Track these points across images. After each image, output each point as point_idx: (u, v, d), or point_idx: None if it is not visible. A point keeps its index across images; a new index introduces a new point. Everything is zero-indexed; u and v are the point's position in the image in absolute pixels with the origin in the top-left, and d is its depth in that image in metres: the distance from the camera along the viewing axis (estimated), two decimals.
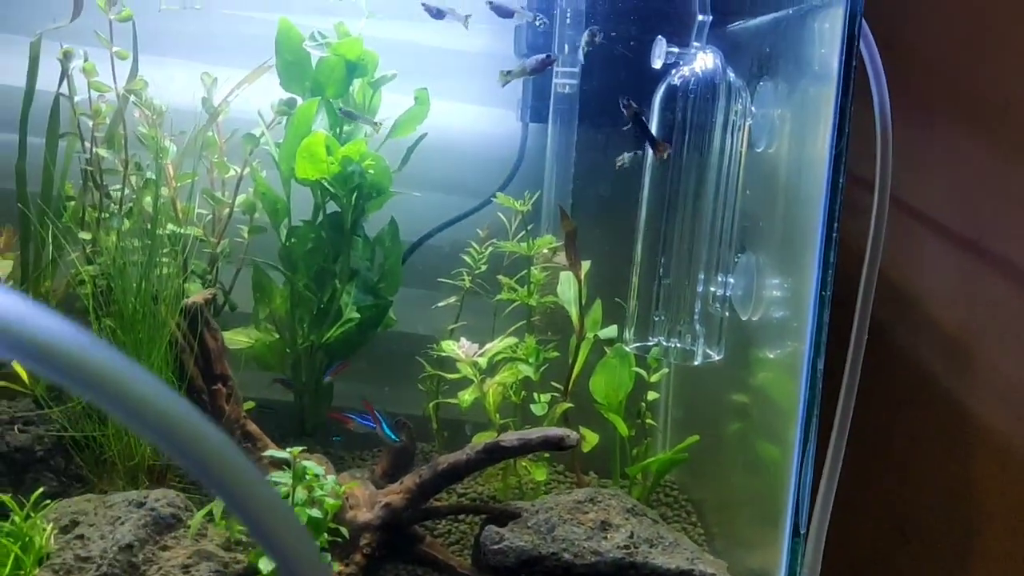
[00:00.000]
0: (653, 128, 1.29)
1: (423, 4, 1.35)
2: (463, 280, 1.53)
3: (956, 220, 1.54)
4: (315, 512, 1.18)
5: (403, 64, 1.57)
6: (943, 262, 1.53)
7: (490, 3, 1.33)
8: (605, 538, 1.22)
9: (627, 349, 1.40)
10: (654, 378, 1.51)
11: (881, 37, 1.23)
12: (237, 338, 1.53)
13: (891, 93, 1.30)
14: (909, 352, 1.56)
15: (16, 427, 1.32)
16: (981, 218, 1.49)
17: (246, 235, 1.53)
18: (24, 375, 1.46)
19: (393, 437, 1.31)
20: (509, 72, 1.37)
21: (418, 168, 1.57)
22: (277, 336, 1.55)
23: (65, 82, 1.34)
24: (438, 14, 1.35)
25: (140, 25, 1.41)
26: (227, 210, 1.50)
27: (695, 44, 1.30)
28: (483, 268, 1.53)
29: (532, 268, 1.52)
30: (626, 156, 1.39)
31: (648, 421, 1.55)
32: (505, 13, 1.36)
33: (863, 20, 1.15)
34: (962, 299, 1.50)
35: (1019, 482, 1.34)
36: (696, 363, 1.35)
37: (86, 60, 1.33)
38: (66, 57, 1.32)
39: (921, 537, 1.53)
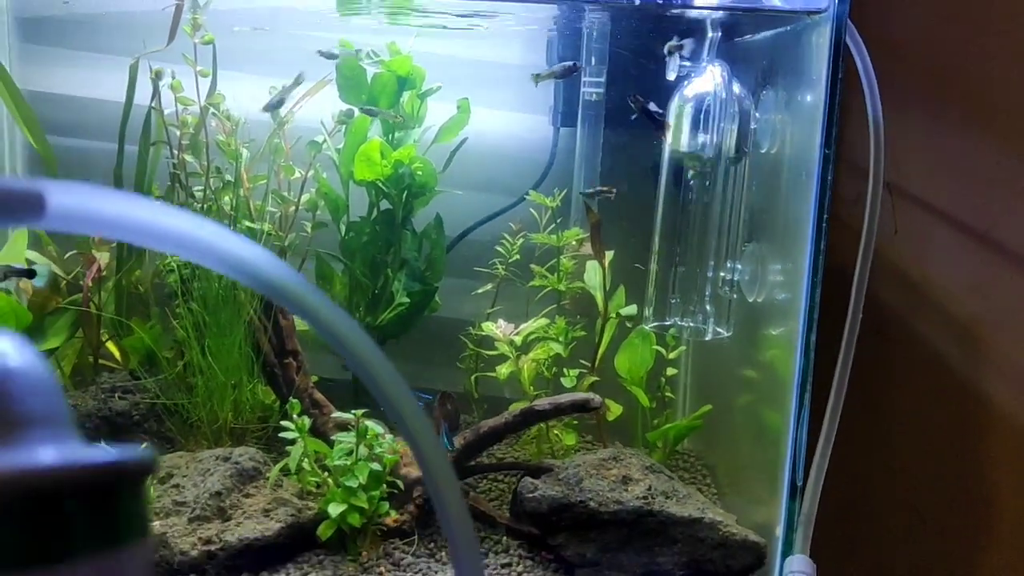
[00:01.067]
0: (668, 136, 1.47)
1: (318, 51, 1.58)
2: (498, 269, 1.72)
3: (966, 213, 1.68)
4: (376, 466, 1.37)
5: (447, 75, 1.76)
6: (955, 254, 1.67)
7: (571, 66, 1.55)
8: (626, 490, 1.40)
9: (647, 329, 1.58)
10: (672, 355, 1.69)
11: (890, 37, 1.37)
12: (303, 321, 1.72)
13: (900, 91, 1.45)
14: (922, 342, 1.71)
15: (116, 395, 1.53)
16: (991, 210, 1.63)
17: (310, 230, 1.72)
18: (117, 353, 1.67)
19: (448, 446, 1.48)
20: (539, 75, 1.57)
21: (461, 169, 1.76)
22: None
23: (156, 98, 1.55)
24: (332, 56, 1.59)
25: (218, 44, 1.61)
26: (293, 208, 1.69)
27: (705, 58, 1.47)
28: (516, 258, 1.72)
29: (561, 257, 1.71)
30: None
31: (668, 394, 1.73)
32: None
33: (856, 30, 1.32)
34: (974, 290, 1.65)
35: None
36: (707, 339, 1.52)
37: (174, 78, 1.53)
38: (157, 76, 1.52)
39: (935, 518, 1.68)
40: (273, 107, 1.55)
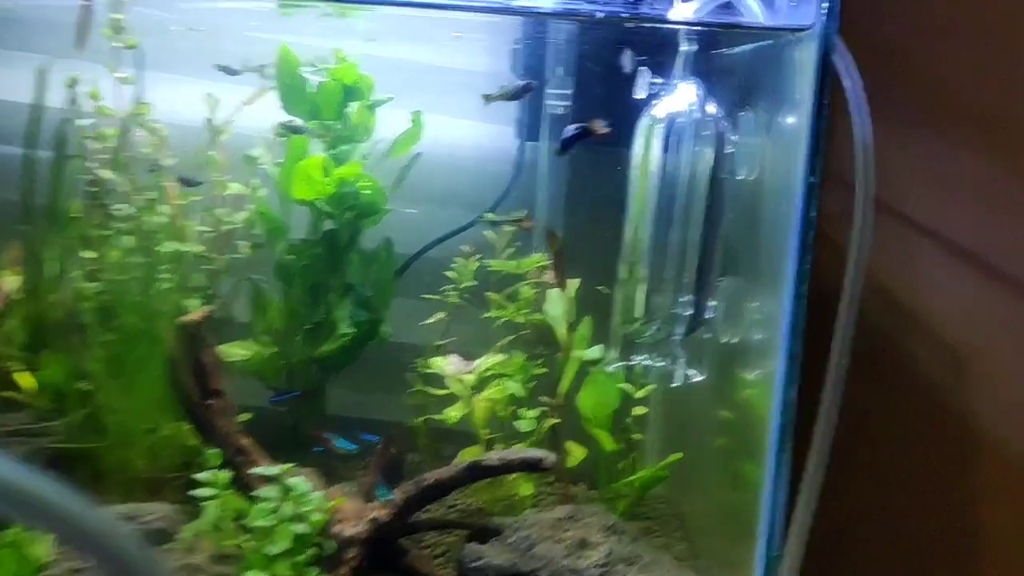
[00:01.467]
0: (634, 160, 1.32)
1: (217, 66, 1.45)
2: (450, 296, 1.57)
3: (961, 235, 1.56)
4: (301, 528, 1.22)
5: (406, 82, 1.61)
6: (948, 277, 1.55)
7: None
8: (583, 556, 1.25)
9: (608, 369, 1.43)
10: (640, 394, 1.55)
11: (881, 50, 1.24)
12: (235, 351, 1.57)
13: (891, 106, 1.32)
14: (912, 366, 1.59)
15: (19, 438, 1.37)
16: (986, 233, 1.51)
17: (249, 250, 1.57)
18: (33, 384, 1.52)
19: (349, 446, 1.35)
20: (489, 95, 1.42)
21: (420, 182, 1.61)
22: (275, 349, 1.59)
23: (72, 107, 1.39)
24: (233, 72, 1.46)
25: (149, 43, 1.45)
26: (226, 227, 1.54)
27: (677, 75, 1.32)
28: (470, 283, 1.57)
29: (521, 285, 1.56)
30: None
31: (635, 435, 1.58)
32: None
33: (844, 46, 1.18)
34: (968, 314, 1.52)
35: None
36: (676, 384, 1.38)
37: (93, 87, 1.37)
38: (73, 83, 1.36)
39: (925, 547, 1.55)
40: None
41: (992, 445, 1.44)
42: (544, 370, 1.54)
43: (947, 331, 1.51)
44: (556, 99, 1.60)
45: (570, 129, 1.34)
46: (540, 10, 1.22)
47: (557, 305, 1.54)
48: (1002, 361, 1.39)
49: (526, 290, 1.56)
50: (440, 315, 1.59)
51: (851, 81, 1.21)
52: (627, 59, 1.30)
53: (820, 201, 1.35)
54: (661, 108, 1.32)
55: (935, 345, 1.52)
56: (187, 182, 1.45)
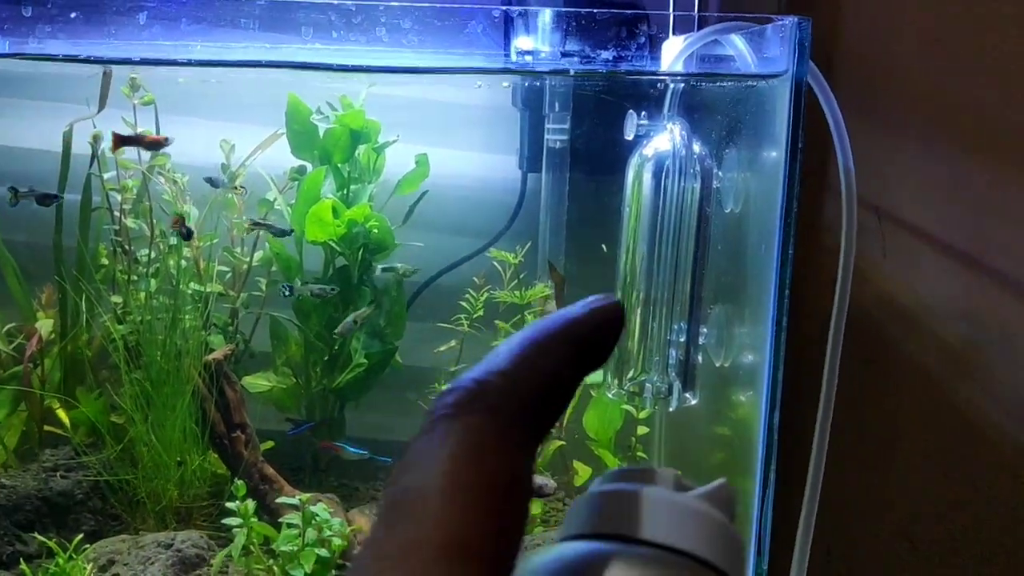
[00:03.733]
0: (626, 197, 1.40)
1: (204, 178, 1.54)
2: (462, 324, 1.66)
3: (957, 236, 1.61)
4: (323, 552, 1.31)
5: (411, 118, 1.70)
6: (946, 279, 1.60)
7: None
8: None
9: (609, 395, 1.51)
10: (643, 414, 1.63)
11: (877, 59, 1.29)
12: (258, 382, 1.66)
13: (889, 113, 1.38)
14: (913, 368, 1.64)
15: (58, 474, 1.47)
16: (982, 235, 1.57)
17: (264, 288, 1.66)
18: (67, 420, 1.62)
19: (359, 452, 1.45)
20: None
21: (427, 214, 1.69)
22: (294, 380, 1.68)
23: (95, 163, 1.49)
24: (214, 183, 1.55)
25: (164, 89, 1.54)
26: (245, 266, 1.63)
27: (665, 114, 1.40)
28: (480, 314, 1.65)
29: (526, 314, 1.64)
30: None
31: (639, 454, 1.66)
32: None
33: (825, 79, 1.25)
34: (967, 315, 1.58)
35: None
36: (671, 409, 1.46)
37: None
38: (96, 141, 1.46)
39: (928, 546, 1.61)
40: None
41: (990, 445, 1.51)
42: None
43: (947, 334, 1.57)
44: (554, 134, 1.68)
45: None
46: (516, 67, 1.30)
47: None
48: (1001, 363, 1.45)
49: (530, 319, 1.64)
50: (452, 343, 1.67)
51: (831, 111, 1.28)
52: (629, 124, 1.38)
53: (818, 213, 1.42)
54: (650, 147, 1.40)
55: (936, 349, 1.58)
56: (280, 231, 1.55)
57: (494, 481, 0.30)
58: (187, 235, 1.47)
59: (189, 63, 1.21)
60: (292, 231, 1.57)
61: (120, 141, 1.45)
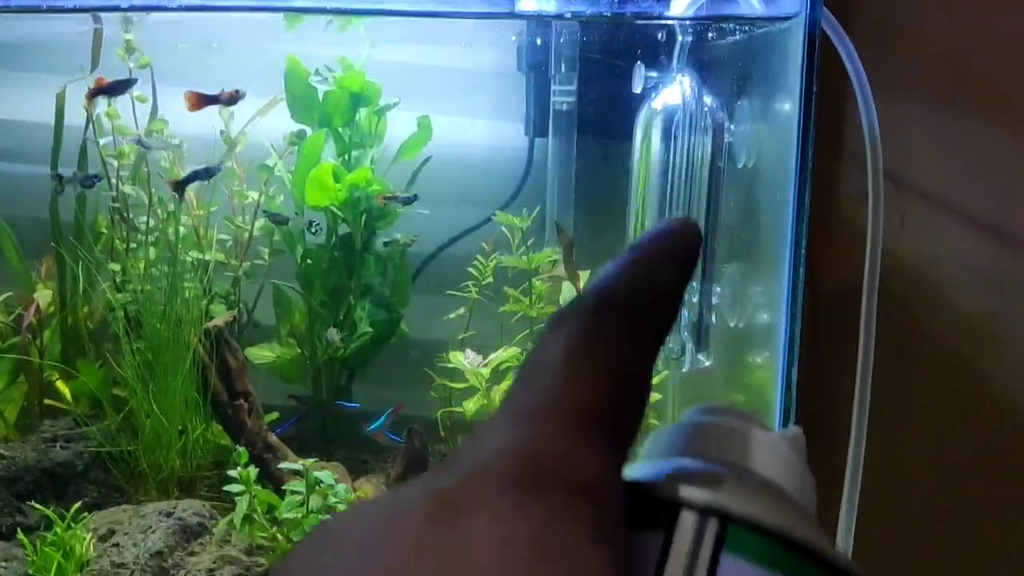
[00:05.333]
0: (635, 153, 1.36)
1: (131, 140, 1.49)
2: (470, 291, 1.62)
3: (978, 204, 1.57)
4: (328, 518, 1.28)
5: (413, 83, 1.66)
6: (967, 248, 1.55)
7: None
8: None
9: None
10: (655, 380, 1.58)
11: (895, 23, 1.25)
12: (261, 353, 1.63)
13: (907, 78, 1.33)
14: (936, 341, 1.59)
15: (58, 444, 1.44)
16: (1004, 202, 1.52)
17: (267, 257, 1.62)
18: (68, 394, 1.59)
19: (396, 439, 1.41)
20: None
21: (432, 182, 1.65)
22: (299, 350, 1.65)
23: (90, 127, 1.45)
24: (144, 146, 1.49)
25: (162, 59, 1.51)
26: (246, 235, 1.60)
27: (674, 67, 1.36)
28: (489, 280, 1.61)
29: (534, 280, 1.60)
30: None
31: (652, 421, 1.62)
32: None
33: (841, 27, 1.20)
34: (989, 284, 1.53)
35: None
36: (685, 370, 1.42)
37: (110, 105, 1.43)
38: (91, 104, 1.42)
39: (955, 523, 1.57)
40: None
41: (1015, 416, 1.46)
42: None
43: (970, 304, 1.52)
44: (561, 95, 1.64)
45: None
46: (524, 13, 1.26)
47: (570, 297, 1.58)
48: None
49: (539, 284, 1.60)
50: (460, 311, 1.64)
51: (852, 66, 1.23)
52: (637, 76, 1.33)
53: (838, 185, 1.37)
54: (659, 101, 1.36)
55: (958, 320, 1.54)
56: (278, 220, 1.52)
57: (619, 370, 0.31)
58: (177, 187, 1.43)
59: (179, 8, 1.17)
60: (289, 219, 1.54)
61: (201, 100, 1.42)
